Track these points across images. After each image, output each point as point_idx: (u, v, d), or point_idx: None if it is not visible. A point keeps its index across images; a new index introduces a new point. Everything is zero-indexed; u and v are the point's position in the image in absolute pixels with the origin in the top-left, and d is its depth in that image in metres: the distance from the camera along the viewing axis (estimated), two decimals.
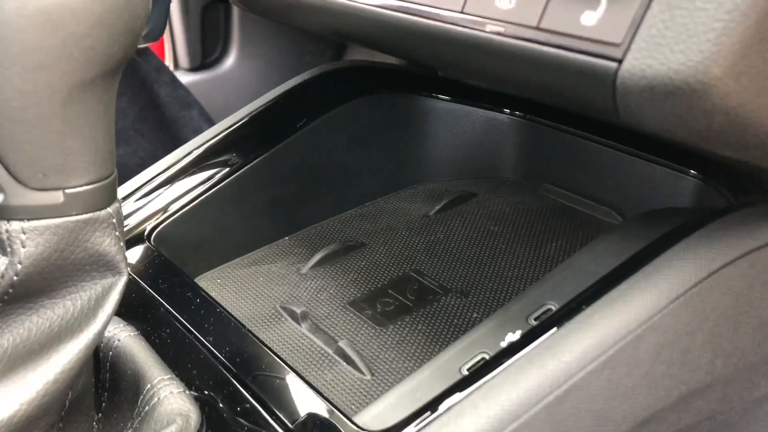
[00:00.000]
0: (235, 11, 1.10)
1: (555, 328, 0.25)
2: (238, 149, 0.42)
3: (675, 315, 0.26)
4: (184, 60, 0.99)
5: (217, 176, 0.40)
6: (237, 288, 0.39)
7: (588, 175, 0.45)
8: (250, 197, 0.41)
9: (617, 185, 0.43)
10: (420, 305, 0.38)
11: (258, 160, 0.42)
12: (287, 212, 0.43)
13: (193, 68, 1.01)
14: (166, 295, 0.33)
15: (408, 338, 0.35)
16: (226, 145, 0.42)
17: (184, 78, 0.96)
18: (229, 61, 1.16)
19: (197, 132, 0.88)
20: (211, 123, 0.90)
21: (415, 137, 0.48)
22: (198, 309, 0.32)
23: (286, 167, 0.42)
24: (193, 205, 0.38)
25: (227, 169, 0.41)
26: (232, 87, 1.17)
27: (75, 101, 0.22)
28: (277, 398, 0.27)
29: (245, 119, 0.43)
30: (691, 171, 0.39)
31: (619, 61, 0.21)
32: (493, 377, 0.24)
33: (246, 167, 0.41)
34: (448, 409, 0.24)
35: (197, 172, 0.40)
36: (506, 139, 0.48)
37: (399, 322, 0.36)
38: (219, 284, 0.39)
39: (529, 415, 0.24)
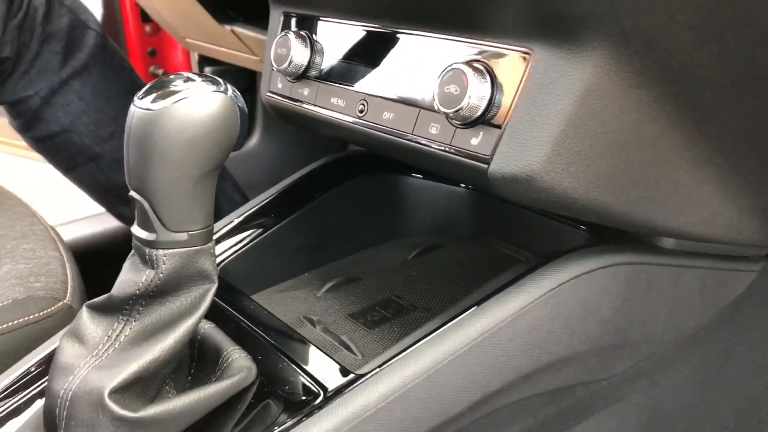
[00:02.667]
0: (259, 102, 1.32)
1: (466, 313, 0.43)
2: (274, 213, 0.60)
3: (540, 308, 0.44)
4: None
5: (260, 231, 0.59)
6: (274, 305, 0.57)
7: (521, 231, 0.64)
8: (283, 245, 0.60)
9: (539, 237, 0.62)
10: (397, 316, 0.56)
11: (287, 220, 0.60)
12: (308, 255, 0.61)
13: None
14: (231, 303, 0.51)
15: (387, 336, 0.53)
16: (265, 210, 0.61)
17: None
18: (253, 141, 1.38)
19: (230, 200, 1.07)
20: (240, 192, 1.09)
21: (398, 204, 0.67)
22: (251, 311, 0.50)
23: (307, 225, 0.61)
24: (246, 249, 0.57)
25: (266, 226, 0.60)
26: (255, 163, 1.38)
27: (198, 184, 0.41)
28: (304, 361, 0.45)
29: (276, 194, 0.62)
30: (582, 226, 0.58)
31: (488, 164, 0.40)
32: (425, 341, 0.42)
33: (279, 225, 0.60)
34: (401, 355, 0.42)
35: (247, 228, 0.59)
36: (463, 206, 0.67)
37: (382, 327, 0.54)
38: (263, 301, 0.58)
39: (447, 362, 0.41)
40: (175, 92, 0.40)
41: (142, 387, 0.41)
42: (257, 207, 0.61)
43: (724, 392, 0.63)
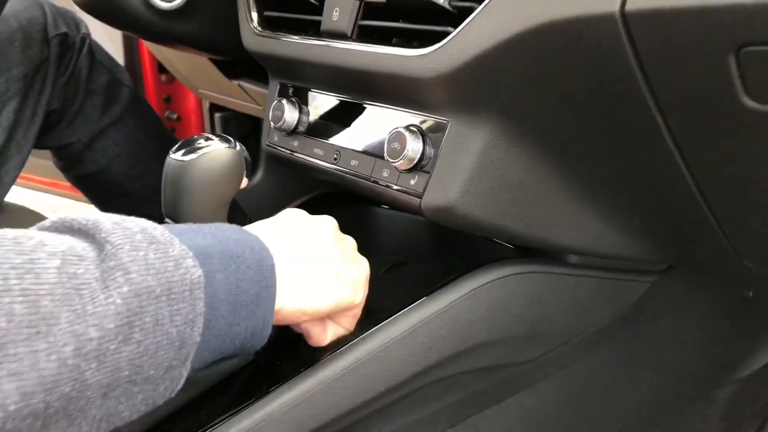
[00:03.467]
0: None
1: (408, 308, 0.59)
2: None
3: (463, 303, 0.59)
4: None
5: None
6: None
7: (466, 248, 0.80)
8: None
9: (479, 252, 0.78)
10: (366, 316, 0.72)
11: None
12: None
13: None
14: None
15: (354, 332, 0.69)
16: None
17: None
18: (258, 177, 1.55)
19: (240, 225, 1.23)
20: (248, 218, 1.25)
21: (371, 230, 0.83)
22: None
23: None
24: None
25: None
26: (260, 195, 1.55)
27: (215, 212, 0.57)
28: (291, 343, 0.61)
29: None
30: (510, 244, 0.73)
31: (421, 198, 0.57)
32: (377, 328, 0.58)
33: None
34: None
35: None
36: (423, 230, 0.83)
37: None
38: None
39: (393, 341, 0.57)
40: (198, 148, 0.57)
41: None
42: None
43: (630, 382, 0.79)
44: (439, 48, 0.51)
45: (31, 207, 1.04)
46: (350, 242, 0.58)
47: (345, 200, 0.82)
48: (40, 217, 0.97)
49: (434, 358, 0.60)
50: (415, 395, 0.61)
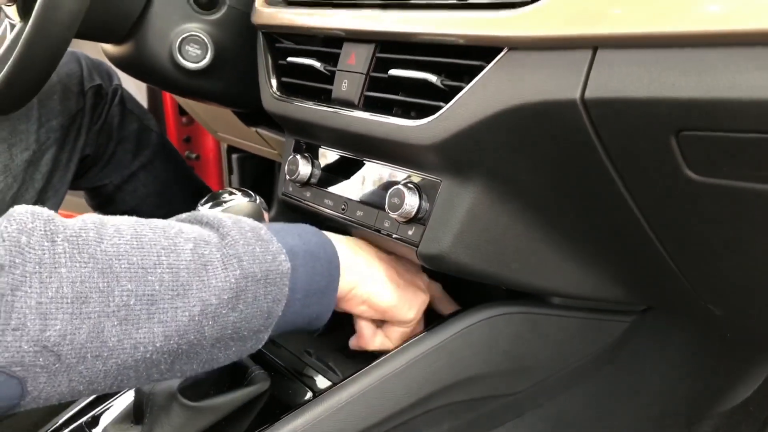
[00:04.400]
0: (277, 177, 1.57)
1: (407, 343, 0.66)
2: None
3: (456, 341, 0.67)
4: None
5: None
6: (277, 342, 0.80)
7: (466, 290, 0.87)
8: None
9: (474, 293, 0.85)
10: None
11: None
12: None
13: None
14: None
15: (360, 364, 0.76)
16: None
17: None
18: (272, 213, 1.63)
19: None
20: None
21: None
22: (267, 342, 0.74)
23: None
24: None
25: None
26: None
27: None
28: (300, 374, 0.68)
29: None
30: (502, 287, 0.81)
31: (417, 246, 0.64)
32: (378, 362, 0.65)
33: None
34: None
35: None
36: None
37: (358, 357, 0.77)
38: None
39: (393, 374, 0.64)
40: (223, 201, 0.65)
41: (197, 389, 0.65)
42: None
43: (614, 415, 0.85)
44: (432, 120, 0.59)
45: None
46: (422, 276, 0.71)
47: None
48: None
49: (430, 389, 0.67)
50: (412, 423, 0.68)
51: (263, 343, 0.55)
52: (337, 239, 0.63)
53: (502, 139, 0.57)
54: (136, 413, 0.65)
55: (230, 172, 1.66)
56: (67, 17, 0.71)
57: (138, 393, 0.65)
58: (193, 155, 1.80)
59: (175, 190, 1.22)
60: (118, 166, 1.13)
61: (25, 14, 0.84)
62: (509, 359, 0.71)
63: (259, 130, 1.27)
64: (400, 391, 0.65)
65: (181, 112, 1.77)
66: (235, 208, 0.64)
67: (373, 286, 0.63)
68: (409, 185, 0.65)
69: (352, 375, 0.65)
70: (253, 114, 1.26)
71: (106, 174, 1.14)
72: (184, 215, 0.55)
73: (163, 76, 0.93)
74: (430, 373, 0.66)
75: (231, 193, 0.66)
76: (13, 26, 0.87)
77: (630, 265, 0.68)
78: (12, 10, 0.84)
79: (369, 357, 0.77)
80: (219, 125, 1.43)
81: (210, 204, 0.65)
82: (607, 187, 0.56)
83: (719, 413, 0.99)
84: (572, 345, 0.76)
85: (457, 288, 0.87)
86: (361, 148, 0.71)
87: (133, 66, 0.95)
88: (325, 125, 0.72)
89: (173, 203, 1.21)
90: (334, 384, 0.65)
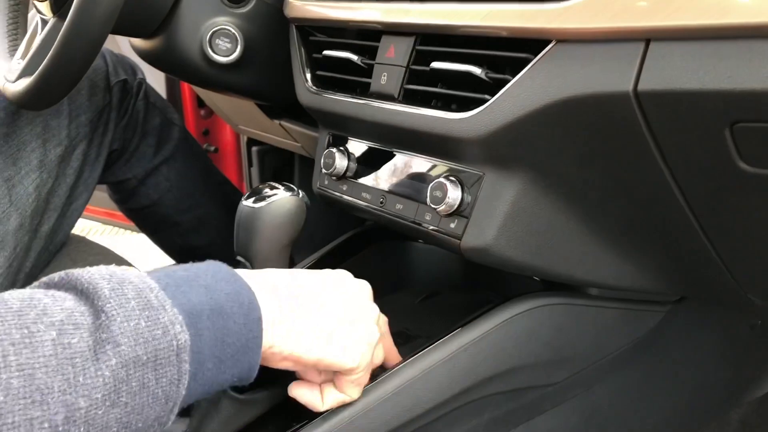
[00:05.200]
0: (297, 170, 1.58)
1: (449, 335, 0.67)
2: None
3: (498, 332, 0.67)
4: None
5: None
6: None
7: (495, 280, 0.88)
8: None
9: (509, 285, 0.86)
10: (406, 342, 0.79)
11: None
12: None
13: None
14: None
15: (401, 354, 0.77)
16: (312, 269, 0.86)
17: None
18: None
19: None
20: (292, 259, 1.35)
21: (406, 263, 0.91)
22: None
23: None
24: None
25: None
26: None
27: (281, 252, 0.66)
28: None
29: (318, 258, 0.87)
30: (536, 278, 0.81)
31: (460, 239, 0.65)
32: (421, 353, 0.66)
33: None
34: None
35: None
36: (455, 263, 0.91)
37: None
38: None
39: (436, 366, 0.65)
40: (267, 196, 0.65)
41: None
42: (308, 265, 0.86)
43: (649, 403, 0.86)
44: (477, 113, 0.60)
45: (92, 237, 1.14)
46: (370, 312, 0.59)
47: (383, 236, 0.90)
48: (101, 249, 1.06)
49: (473, 379, 0.67)
50: (453, 414, 0.69)
51: (170, 424, 0.45)
52: (258, 282, 0.50)
53: (548, 133, 0.57)
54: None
55: (250, 164, 1.66)
56: (104, 13, 0.71)
57: None
58: (212, 148, 1.80)
59: (198, 184, 1.23)
60: (141, 160, 1.14)
61: (57, 9, 0.84)
62: (550, 350, 0.72)
63: (283, 122, 1.27)
64: (444, 382, 0.66)
65: (200, 104, 1.78)
66: (279, 202, 0.65)
67: (295, 341, 0.51)
68: (452, 179, 0.65)
69: (397, 366, 0.65)
70: (277, 107, 1.27)
71: (129, 168, 1.14)
72: (57, 276, 0.43)
73: (193, 70, 0.93)
74: (474, 364, 0.67)
75: (273, 188, 0.67)
76: (44, 21, 0.87)
77: (671, 256, 0.68)
78: (44, 6, 0.84)
79: (408, 348, 0.78)
80: (240, 118, 1.43)
81: (252, 199, 0.65)
82: (655, 179, 0.56)
83: (749, 402, 1.00)
84: (609, 335, 0.77)
85: (488, 277, 0.87)
86: (400, 141, 0.71)
87: (163, 60, 0.95)
88: (363, 119, 0.72)
89: (195, 197, 1.22)
90: (379, 375, 0.65)
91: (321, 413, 0.60)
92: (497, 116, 0.58)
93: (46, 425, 0.37)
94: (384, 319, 0.63)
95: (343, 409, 0.60)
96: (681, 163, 0.54)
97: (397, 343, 0.79)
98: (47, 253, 0.98)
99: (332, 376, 0.58)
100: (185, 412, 0.66)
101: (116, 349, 0.40)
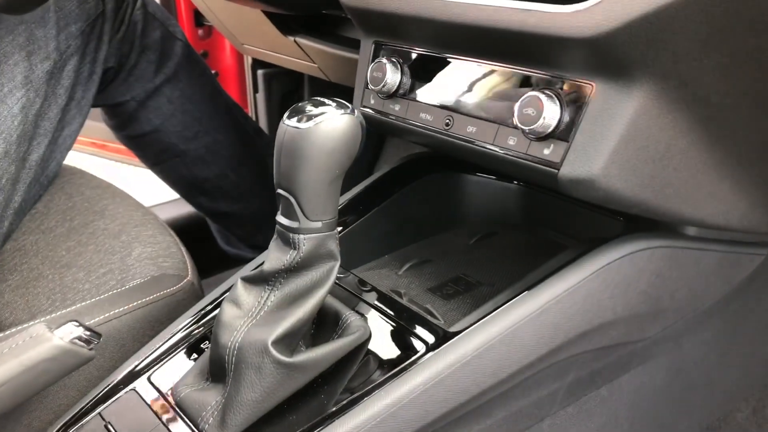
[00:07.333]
0: (307, 96, 1.43)
1: (537, 287, 0.55)
2: (362, 205, 0.72)
3: (593, 281, 0.56)
4: None
5: (352, 218, 0.71)
6: (368, 279, 0.69)
7: (563, 220, 0.76)
8: (369, 232, 0.72)
9: (578, 225, 0.74)
10: (467, 290, 0.68)
11: (372, 211, 0.72)
12: (388, 240, 0.74)
13: None
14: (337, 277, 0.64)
15: (461, 306, 0.65)
16: (356, 203, 0.73)
17: None
18: None
19: None
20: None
21: (459, 197, 0.79)
22: (355, 284, 0.63)
23: (387, 215, 0.73)
24: (342, 234, 0.69)
25: (357, 214, 0.72)
26: None
27: (331, 184, 0.53)
28: (406, 323, 0.58)
29: (363, 189, 0.74)
30: (619, 217, 0.69)
31: (558, 169, 0.52)
32: (504, 307, 0.54)
33: (366, 215, 0.72)
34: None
35: (342, 217, 0.71)
36: (514, 199, 0.79)
37: (456, 298, 0.67)
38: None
39: (523, 323, 0.54)
40: (315, 115, 0.52)
41: (290, 341, 0.54)
42: (350, 198, 0.73)
43: (736, 355, 0.76)
44: (596, 4, 0.46)
45: (85, 168, 1.00)
46: None
47: (432, 166, 0.78)
48: (100, 183, 0.93)
49: (561, 338, 0.56)
50: (536, 377, 0.58)
51: None
52: None
53: (689, 29, 0.44)
54: (215, 371, 0.55)
55: (255, 90, 1.51)
56: None
57: (215, 346, 0.54)
58: (212, 72, 1.64)
59: (204, 108, 1.08)
60: (140, 79, 0.99)
61: None
62: (646, 300, 0.60)
63: (299, 39, 1.12)
64: (530, 342, 0.55)
65: (197, 23, 1.61)
66: (332, 122, 0.51)
67: None
68: (547, 92, 0.52)
69: (475, 323, 0.54)
70: (292, 20, 1.11)
71: (127, 88, 0.99)
72: None
73: None
74: (563, 320, 0.56)
75: (320, 104, 0.53)
76: None
77: None
78: None
79: (470, 292, 0.67)
80: (247, 36, 1.28)
81: (296, 118, 0.52)
82: None
83: None
84: (708, 282, 0.66)
85: (551, 216, 0.75)
86: (476, 46, 0.58)
87: None
88: (427, 17, 0.58)
89: (202, 123, 1.07)
90: (453, 334, 0.54)
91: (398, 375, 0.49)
92: (622, 9, 0.45)
93: None
94: None
95: (411, 377, 0.50)
96: None
97: (456, 291, 0.68)
98: (38, 185, 0.84)
99: None
100: (218, 377, 0.54)
101: None
